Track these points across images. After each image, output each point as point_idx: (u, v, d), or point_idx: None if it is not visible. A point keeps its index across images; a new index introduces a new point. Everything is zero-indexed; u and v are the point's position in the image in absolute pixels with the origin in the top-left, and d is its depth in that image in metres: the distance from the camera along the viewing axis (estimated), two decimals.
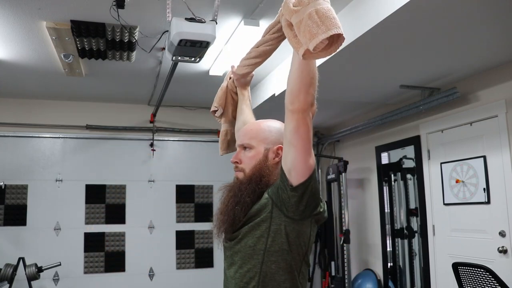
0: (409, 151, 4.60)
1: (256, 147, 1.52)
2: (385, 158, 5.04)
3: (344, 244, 4.89)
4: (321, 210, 1.43)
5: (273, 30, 1.54)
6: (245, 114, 1.84)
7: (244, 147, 1.55)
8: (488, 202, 3.58)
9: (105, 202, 5.17)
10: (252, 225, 1.42)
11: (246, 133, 1.57)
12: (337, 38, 1.20)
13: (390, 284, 4.77)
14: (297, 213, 1.37)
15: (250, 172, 1.50)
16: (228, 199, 1.51)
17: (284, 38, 1.38)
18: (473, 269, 2.86)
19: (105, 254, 5.08)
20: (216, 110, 1.87)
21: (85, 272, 4.99)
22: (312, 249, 2.83)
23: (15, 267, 4.33)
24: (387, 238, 4.85)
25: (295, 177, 1.32)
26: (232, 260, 1.48)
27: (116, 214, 5.18)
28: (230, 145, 1.89)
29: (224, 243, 1.54)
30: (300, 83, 1.31)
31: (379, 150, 4.98)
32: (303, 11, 1.21)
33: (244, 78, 1.83)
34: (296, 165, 1.32)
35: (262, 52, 1.60)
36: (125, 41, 3.33)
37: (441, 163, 4.06)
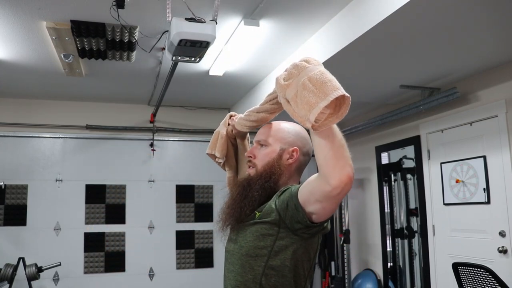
0: (409, 151, 4.60)
1: (272, 145, 1.53)
2: (385, 158, 5.04)
3: (344, 244, 4.89)
4: (327, 224, 1.42)
5: (273, 101, 1.52)
6: None
7: (261, 144, 1.56)
8: (488, 202, 3.58)
9: (105, 202, 5.17)
10: (256, 233, 1.40)
11: (265, 131, 1.57)
12: (342, 99, 1.12)
13: (390, 284, 4.77)
14: (308, 233, 1.35)
15: (261, 168, 1.51)
16: (236, 194, 1.52)
17: (283, 108, 1.31)
18: (473, 269, 2.86)
19: (105, 254, 5.08)
20: (215, 153, 1.82)
21: (85, 272, 4.99)
22: None
23: (15, 267, 4.33)
24: (387, 238, 4.85)
25: (316, 219, 1.30)
26: (232, 261, 1.47)
27: (116, 214, 5.18)
28: None
29: (227, 245, 1.54)
30: (329, 159, 1.15)
31: (379, 150, 4.98)
32: (295, 83, 1.15)
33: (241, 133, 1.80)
34: (320, 216, 1.29)
35: (261, 119, 1.58)
36: (125, 41, 3.33)
37: (441, 163, 4.06)
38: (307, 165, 1.57)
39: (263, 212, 1.42)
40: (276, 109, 1.53)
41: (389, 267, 4.82)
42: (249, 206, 1.44)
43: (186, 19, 2.52)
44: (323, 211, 1.27)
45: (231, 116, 1.80)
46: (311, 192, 1.24)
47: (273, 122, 1.61)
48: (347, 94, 1.09)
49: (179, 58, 2.79)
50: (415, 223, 4.66)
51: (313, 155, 1.35)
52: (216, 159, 1.80)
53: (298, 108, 1.12)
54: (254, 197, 1.45)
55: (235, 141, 1.82)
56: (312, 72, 1.13)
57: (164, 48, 3.52)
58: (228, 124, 1.78)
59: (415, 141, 4.38)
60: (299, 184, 1.46)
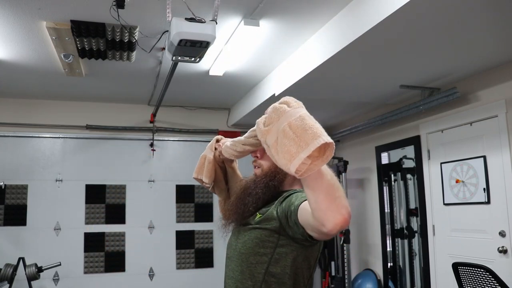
0: (409, 151, 4.60)
1: None
2: (385, 158, 5.04)
3: (344, 244, 4.89)
4: None
5: (257, 137, 1.51)
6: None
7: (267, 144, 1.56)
8: (488, 202, 3.58)
9: (105, 202, 5.17)
10: (256, 240, 1.40)
11: None
12: (325, 144, 1.05)
13: (390, 284, 4.77)
14: (309, 243, 1.35)
15: (267, 168, 1.52)
16: (241, 192, 1.53)
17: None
18: (473, 269, 2.86)
19: (105, 254, 5.08)
20: (203, 180, 1.79)
21: (85, 272, 4.99)
22: None
23: (15, 267, 4.33)
24: (387, 238, 4.85)
25: (316, 238, 1.28)
26: (232, 267, 1.47)
27: (116, 214, 5.18)
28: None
29: (229, 240, 1.55)
30: (321, 203, 1.08)
31: (379, 150, 4.98)
32: (276, 129, 1.09)
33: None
34: (319, 239, 1.27)
35: (246, 151, 1.55)
36: (125, 41, 3.33)
37: (441, 163, 4.06)
38: None
39: (264, 217, 1.41)
40: (261, 144, 1.52)
41: (389, 267, 4.82)
42: (252, 203, 1.44)
43: (186, 19, 2.53)
44: (321, 238, 1.26)
45: (217, 140, 1.77)
46: (308, 223, 1.20)
47: None
48: (329, 141, 1.02)
49: (179, 58, 2.80)
50: (415, 223, 4.66)
51: None
52: (204, 184, 1.78)
53: (279, 157, 1.06)
54: (258, 195, 1.45)
55: (223, 164, 1.80)
56: (292, 118, 1.07)
57: (164, 48, 3.52)
58: (215, 149, 1.75)
59: (415, 141, 4.38)
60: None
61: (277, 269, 1.37)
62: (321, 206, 1.07)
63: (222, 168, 1.81)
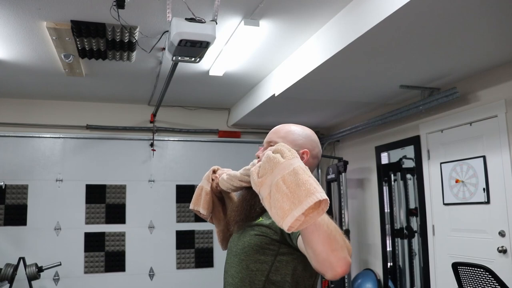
0: (409, 151, 4.60)
1: None
2: (385, 158, 5.04)
3: None
4: None
5: None
6: None
7: (272, 145, 1.56)
8: (488, 202, 3.58)
9: (105, 202, 5.17)
10: (256, 247, 1.39)
11: (276, 132, 1.56)
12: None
13: (390, 284, 4.77)
14: None
15: None
16: (246, 194, 1.51)
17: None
18: (473, 269, 2.86)
19: (105, 254, 5.08)
20: (201, 211, 1.75)
21: (85, 272, 4.99)
22: None
23: (16, 267, 4.33)
24: (387, 238, 4.85)
25: None
26: (231, 273, 1.46)
27: (116, 214, 5.18)
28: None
29: (230, 243, 1.54)
30: (320, 254, 1.06)
31: (379, 150, 4.98)
32: (269, 182, 1.07)
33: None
34: None
35: (242, 187, 1.53)
36: (125, 41, 3.33)
37: (441, 163, 4.06)
38: (316, 168, 1.57)
39: (267, 225, 1.41)
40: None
41: (389, 267, 4.82)
42: (259, 203, 1.43)
43: (186, 19, 2.53)
44: None
45: (214, 170, 1.76)
46: (309, 259, 1.16)
47: (283, 125, 1.61)
48: (323, 198, 0.98)
49: (179, 58, 2.80)
50: (415, 223, 4.66)
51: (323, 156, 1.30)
52: (201, 215, 1.76)
53: (272, 212, 1.04)
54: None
55: (220, 194, 1.78)
56: (286, 171, 1.05)
57: (164, 48, 3.52)
58: (212, 180, 1.74)
59: (415, 141, 4.38)
60: None
61: (278, 277, 1.36)
62: (319, 259, 1.07)
63: (220, 198, 1.79)
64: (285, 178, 1.04)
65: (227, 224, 1.75)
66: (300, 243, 1.26)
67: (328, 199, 1.00)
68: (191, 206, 1.77)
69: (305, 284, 1.40)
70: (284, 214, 1.00)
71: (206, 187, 1.74)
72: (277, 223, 1.02)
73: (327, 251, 1.05)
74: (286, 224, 0.99)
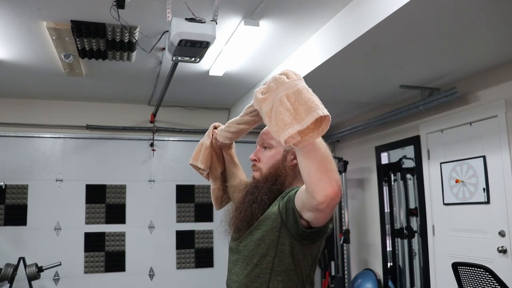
0: (409, 151, 4.60)
1: (276, 147, 1.54)
2: (385, 158, 5.04)
3: (344, 244, 4.90)
4: (329, 230, 1.41)
5: (253, 113, 1.52)
6: (239, 175, 1.83)
7: (264, 147, 1.57)
8: (488, 202, 3.58)
9: (105, 202, 5.17)
10: (258, 241, 1.40)
11: (268, 133, 1.57)
12: (321, 117, 1.05)
13: (390, 284, 4.77)
14: (307, 240, 1.35)
15: (266, 171, 1.51)
16: (244, 197, 1.51)
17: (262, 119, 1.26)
18: (473, 269, 2.86)
19: (105, 254, 5.08)
20: (198, 165, 1.79)
21: (85, 272, 4.99)
22: None
23: (16, 267, 4.33)
24: (387, 238, 4.85)
25: (314, 225, 1.29)
26: (235, 271, 1.47)
27: (116, 214, 5.18)
28: (223, 201, 1.87)
29: (231, 244, 1.54)
30: (313, 174, 1.10)
31: (379, 150, 4.98)
32: (272, 98, 1.11)
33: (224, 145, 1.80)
34: (315, 223, 1.28)
35: (241, 130, 1.59)
36: (125, 41, 3.33)
37: (441, 163, 4.06)
38: None
39: (263, 217, 1.42)
40: (256, 121, 1.53)
41: (389, 267, 4.82)
42: (259, 209, 1.44)
43: (186, 19, 2.53)
44: (317, 220, 1.26)
45: (215, 127, 1.78)
46: (303, 203, 1.23)
47: None
48: (324, 114, 1.02)
49: (179, 58, 2.80)
50: (415, 223, 4.66)
51: None
52: (200, 170, 1.78)
53: (271, 124, 1.08)
54: (264, 201, 1.45)
55: (220, 151, 1.80)
56: (290, 90, 1.08)
57: (164, 48, 3.52)
58: (212, 135, 1.77)
59: (415, 141, 4.38)
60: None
61: (282, 267, 1.37)
62: (313, 178, 1.10)
63: (220, 155, 1.81)
64: (289, 95, 1.07)
65: (222, 183, 1.79)
66: (297, 196, 1.27)
67: (330, 115, 1.04)
68: (190, 161, 1.79)
69: (302, 273, 1.41)
70: (284, 126, 1.03)
71: (206, 142, 1.76)
72: (274, 135, 1.06)
73: (321, 171, 1.09)
74: (284, 135, 1.02)
